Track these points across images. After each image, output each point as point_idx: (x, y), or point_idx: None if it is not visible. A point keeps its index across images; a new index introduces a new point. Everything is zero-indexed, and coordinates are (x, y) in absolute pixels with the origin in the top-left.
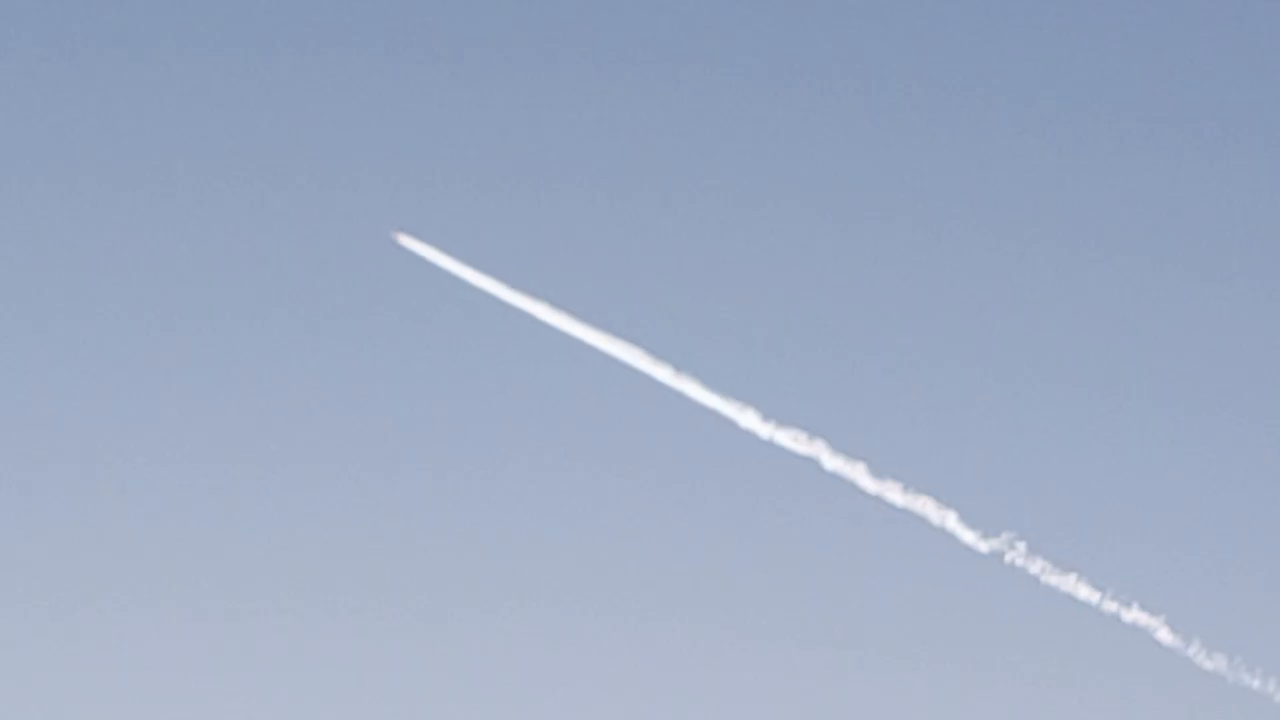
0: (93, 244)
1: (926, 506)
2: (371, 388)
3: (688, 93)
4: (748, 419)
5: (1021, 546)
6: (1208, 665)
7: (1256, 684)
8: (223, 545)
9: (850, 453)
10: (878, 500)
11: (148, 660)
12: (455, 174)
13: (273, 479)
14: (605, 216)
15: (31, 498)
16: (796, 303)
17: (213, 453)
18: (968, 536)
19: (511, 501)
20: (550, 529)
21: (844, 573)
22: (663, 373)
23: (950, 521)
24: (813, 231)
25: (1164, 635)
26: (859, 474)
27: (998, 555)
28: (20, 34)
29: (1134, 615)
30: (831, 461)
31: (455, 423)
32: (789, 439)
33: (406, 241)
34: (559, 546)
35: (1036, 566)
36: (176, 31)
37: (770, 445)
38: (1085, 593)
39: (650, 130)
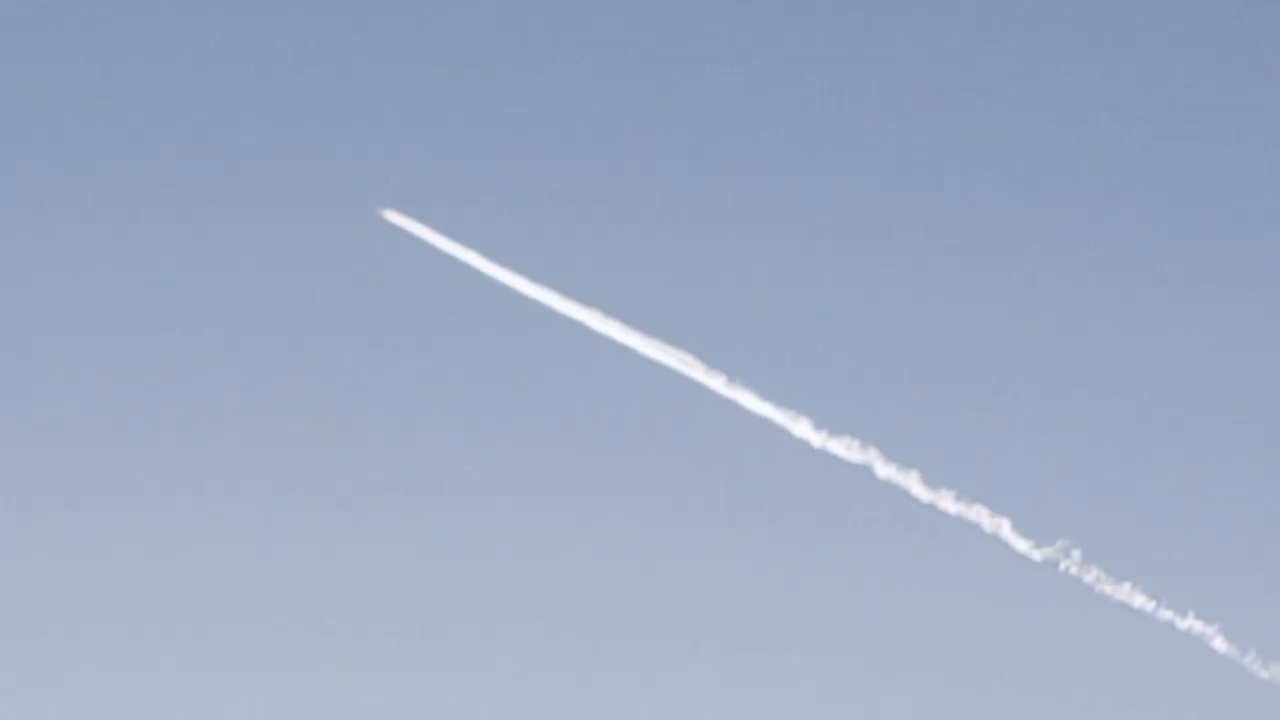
0: (76, 220)
1: (980, 515)
2: (363, 366)
3: (735, 93)
4: (801, 428)
5: (1076, 555)
6: (1263, 674)
7: None
8: (205, 531)
9: (904, 461)
10: (931, 509)
11: (147, 660)
12: (447, 152)
13: (259, 454)
14: (655, 225)
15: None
16: (849, 313)
17: (197, 429)
18: (1021, 545)
19: (537, 505)
20: (591, 539)
21: (897, 581)
22: (716, 382)
23: (1003, 530)
24: (867, 242)
25: (1219, 643)
26: (912, 483)
27: (1051, 564)
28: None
29: (1189, 623)
30: (885, 470)
31: (459, 411)
32: (842, 448)
33: (393, 217)
34: (601, 557)
35: (1090, 575)
36: (163, 9)
37: (823, 454)
38: (1140, 601)
39: (695, 131)
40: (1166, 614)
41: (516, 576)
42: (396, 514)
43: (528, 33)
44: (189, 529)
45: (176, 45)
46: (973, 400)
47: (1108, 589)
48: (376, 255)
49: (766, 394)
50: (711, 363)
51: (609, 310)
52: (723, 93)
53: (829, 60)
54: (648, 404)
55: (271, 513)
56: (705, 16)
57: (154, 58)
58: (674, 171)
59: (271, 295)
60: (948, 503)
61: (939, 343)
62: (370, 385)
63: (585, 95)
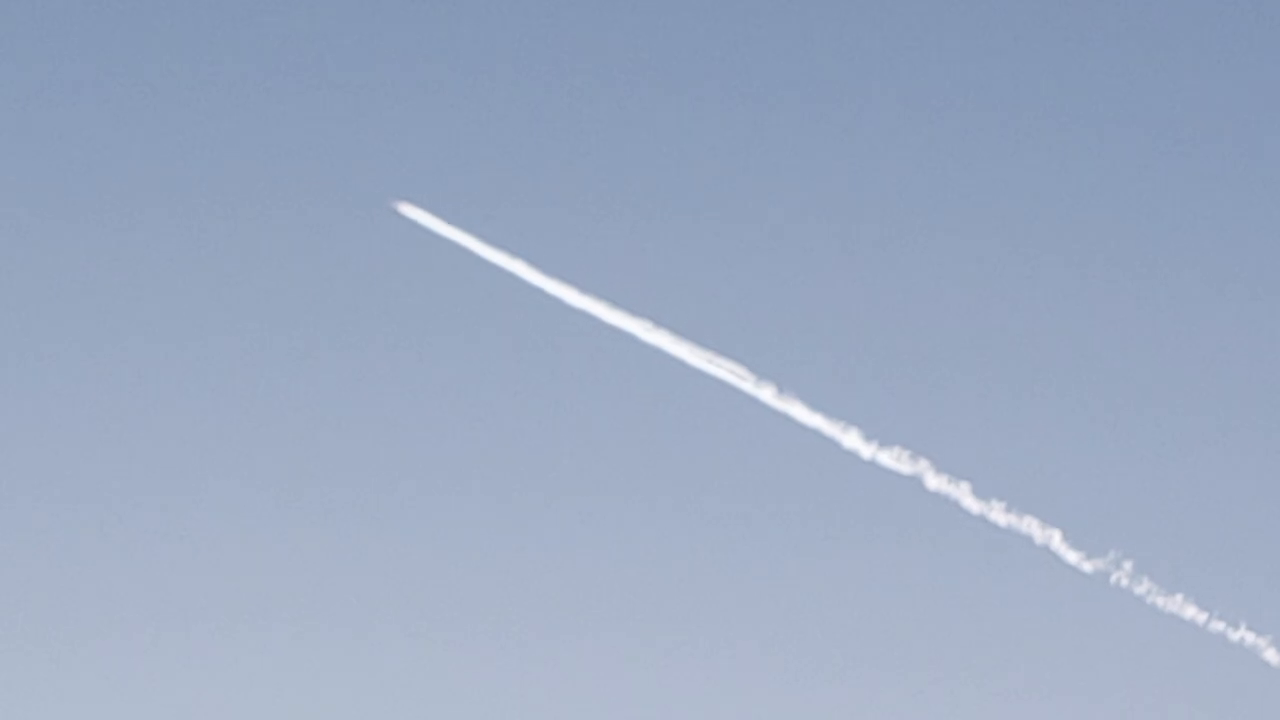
0: (86, 216)
1: (1030, 526)
2: (377, 359)
3: (790, 97)
4: (851, 439)
5: (1127, 566)
6: None
7: None
8: (217, 529)
9: (954, 472)
10: (981, 520)
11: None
12: (463, 144)
13: (271, 450)
14: (704, 233)
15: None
16: (898, 322)
17: (208, 424)
18: (1072, 556)
19: (580, 516)
20: (638, 550)
21: (947, 593)
22: (766, 393)
23: (1054, 541)
24: (915, 251)
25: (1271, 655)
26: (963, 494)
27: (1103, 575)
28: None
29: (1241, 635)
30: (935, 481)
31: (496, 418)
32: (892, 459)
33: (408, 210)
34: (650, 569)
35: (1142, 587)
36: (175, 3)
37: (873, 465)
38: (1191, 613)
39: (744, 137)
40: (1218, 625)
41: (559, 588)
42: (413, 518)
43: (566, 25)
44: (200, 526)
45: (189, 39)
46: (1023, 411)
47: (1159, 601)
48: (408, 251)
49: (816, 405)
50: (761, 374)
51: (659, 320)
52: (778, 97)
53: (886, 65)
54: (697, 415)
55: (284, 511)
56: (759, 12)
57: (167, 52)
58: (723, 178)
59: (285, 290)
60: (998, 514)
61: (990, 354)
62: (396, 388)
63: (634, 96)
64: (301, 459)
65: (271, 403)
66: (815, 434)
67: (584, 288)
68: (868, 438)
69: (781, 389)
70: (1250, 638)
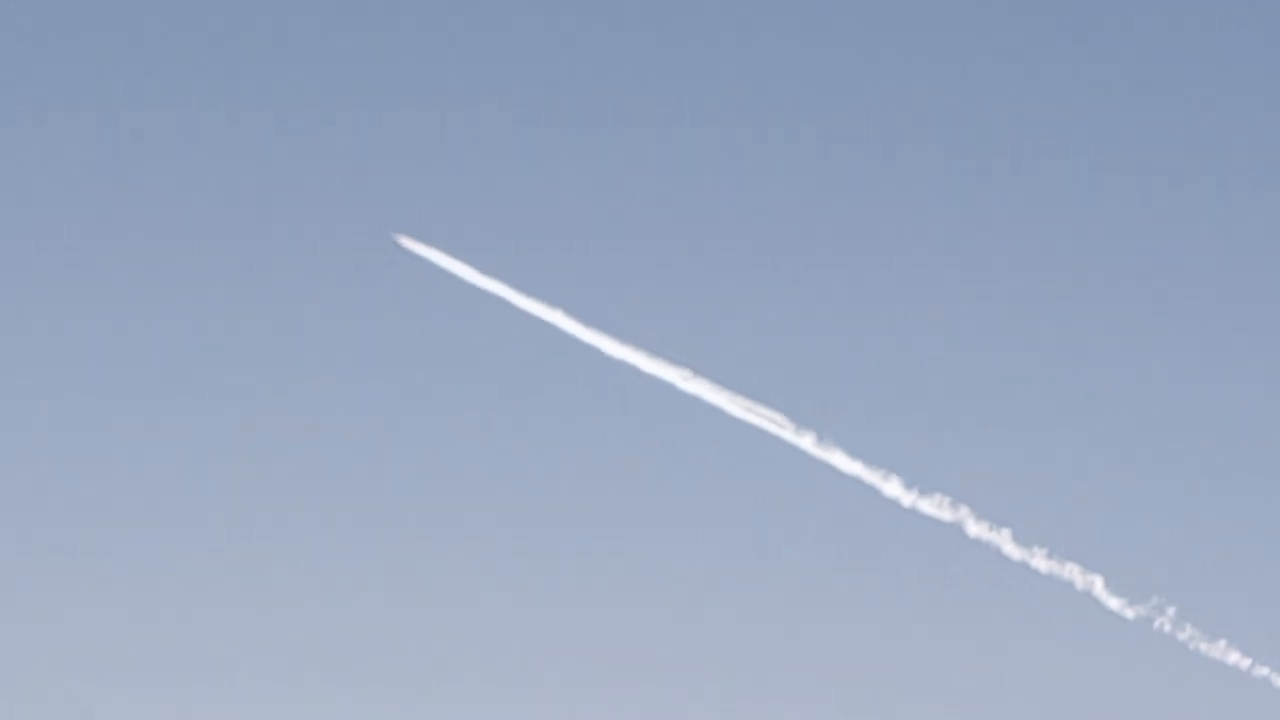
0: (93, 241)
1: (1072, 573)
2: (377, 390)
3: (825, 146)
4: (891, 487)
5: (1169, 613)
6: None
7: None
8: (216, 541)
9: (995, 519)
10: (1022, 567)
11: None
12: (464, 177)
13: (272, 481)
14: (741, 281)
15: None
16: (938, 370)
17: (210, 455)
18: (1114, 603)
19: (615, 564)
20: (678, 598)
21: (989, 640)
22: (806, 441)
23: (1096, 588)
24: (954, 300)
25: None
26: (1004, 540)
27: (1145, 622)
28: (22, 32)
29: None
30: (975, 528)
31: (527, 466)
32: (932, 506)
33: (408, 243)
34: (689, 616)
35: (1185, 633)
36: (182, 32)
37: (913, 513)
38: (1234, 658)
39: (773, 184)
40: (1262, 671)
41: (594, 635)
42: (425, 560)
43: (592, 65)
44: (204, 552)
45: (196, 74)
46: (1064, 458)
47: (1202, 646)
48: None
49: (856, 452)
50: (801, 421)
51: (698, 369)
52: (819, 146)
53: (941, 130)
54: (736, 464)
55: (285, 538)
56: (803, 57)
57: (173, 78)
58: (761, 227)
59: (292, 322)
60: (1039, 560)
61: (1031, 402)
62: (377, 390)
63: (670, 142)
64: (296, 482)
65: (272, 427)
66: (855, 482)
67: (622, 337)
68: (908, 485)
69: (821, 437)
70: None
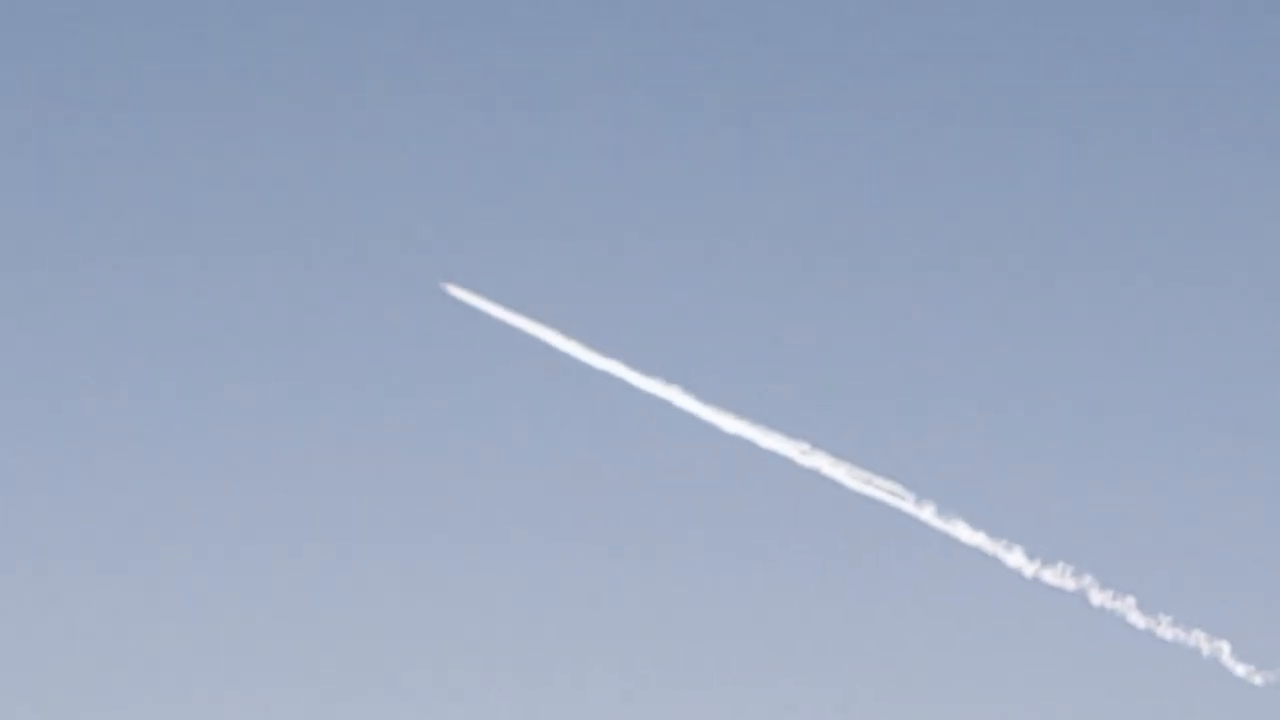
0: (142, 293)
1: (1198, 640)
2: (427, 439)
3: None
4: (1014, 557)
5: None
6: None
7: None
8: (259, 592)
9: (1119, 587)
10: (1148, 635)
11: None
12: (513, 223)
13: (320, 528)
14: (853, 351)
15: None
16: (1059, 440)
17: (259, 503)
18: (1241, 669)
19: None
20: (804, 674)
21: (1118, 710)
22: (926, 512)
23: (1223, 654)
24: (1072, 373)
25: None
26: (1128, 609)
27: (1274, 688)
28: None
29: None
30: (1099, 597)
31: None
32: (1055, 576)
33: (456, 292)
34: (818, 697)
35: None
36: (230, 81)
37: (1036, 583)
38: None
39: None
40: None
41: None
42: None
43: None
44: (241, 588)
45: (246, 116)
46: (1189, 526)
47: None
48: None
49: (978, 523)
50: (921, 493)
51: (816, 442)
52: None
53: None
54: (857, 536)
55: (328, 582)
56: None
57: (223, 128)
58: (869, 295)
59: (339, 370)
60: (1165, 629)
61: (1155, 470)
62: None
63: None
64: (345, 529)
65: (321, 475)
66: (977, 553)
67: (739, 411)
68: (1031, 555)
69: (942, 508)
70: None
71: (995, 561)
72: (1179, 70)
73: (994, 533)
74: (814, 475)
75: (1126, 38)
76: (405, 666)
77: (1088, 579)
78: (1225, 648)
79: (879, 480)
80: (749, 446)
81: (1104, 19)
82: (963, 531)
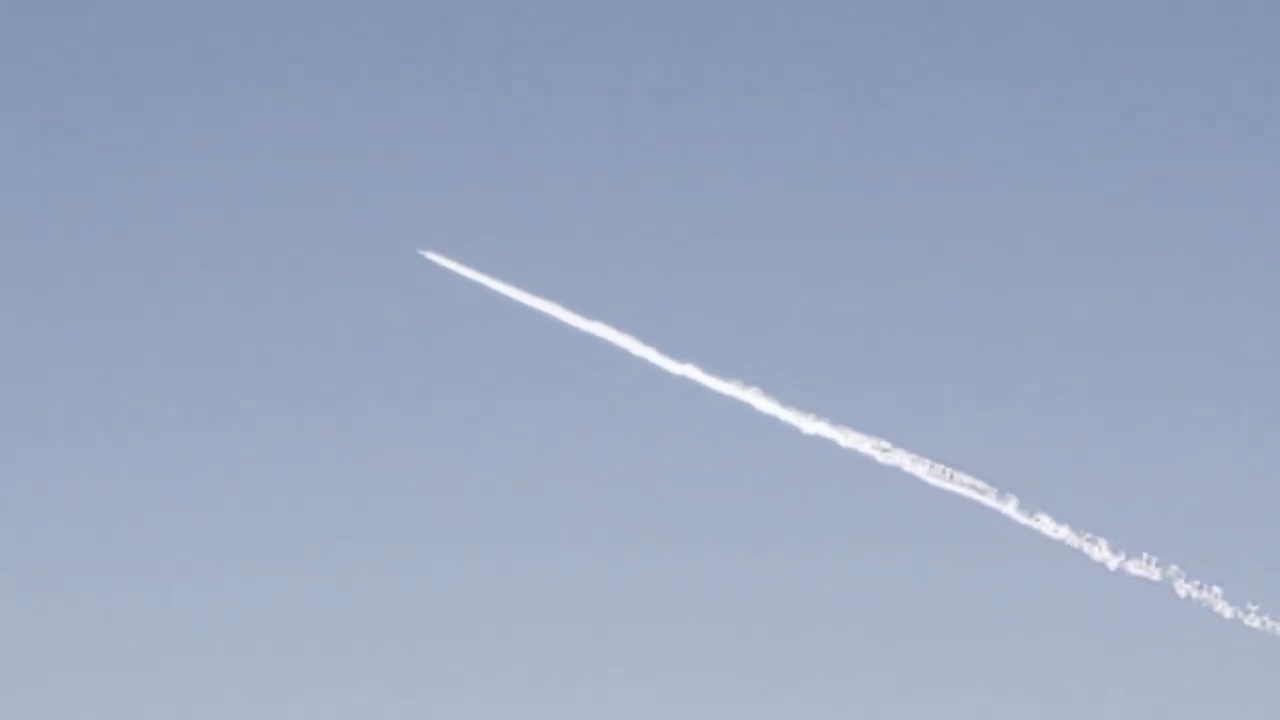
0: (121, 262)
1: None
2: (410, 405)
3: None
4: (1099, 550)
5: None
6: None
7: None
8: (228, 552)
9: (1205, 578)
10: (1235, 624)
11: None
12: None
13: (297, 492)
14: (936, 352)
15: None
16: (1141, 431)
17: (236, 468)
18: None
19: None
20: (889, 672)
21: (1207, 702)
22: (1009, 507)
23: None
24: (1154, 362)
25: None
26: (1214, 599)
27: None
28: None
29: None
30: (1185, 588)
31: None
32: (1140, 567)
33: (433, 257)
34: (909, 692)
35: None
36: (209, 52)
37: (1120, 574)
38: None
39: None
40: None
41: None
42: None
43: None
44: (226, 560)
45: (222, 86)
46: (1275, 514)
47: None
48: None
49: (1063, 517)
50: (1004, 487)
51: (896, 440)
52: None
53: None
54: (940, 532)
55: (306, 548)
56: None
57: (200, 99)
58: (941, 294)
59: (317, 337)
60: (1253, 618)
61: (1239, 458)
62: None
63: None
64: (322, 494)
65: (297, 438)
66: (1062, 546)
67: (819, 412)
68: (1115, 548)
69: (1024, 502)
70: None
71: (1080, 555)
72: (1179, 70)
73: (1078, 526)
74: (895, 472)
75: (1127, 37)
76: (428, 659)
77: (1173, 569)
78: None
79: (961, 476)
80: (829, 446)
81: (1104, 19)
82: (1046, 526)
